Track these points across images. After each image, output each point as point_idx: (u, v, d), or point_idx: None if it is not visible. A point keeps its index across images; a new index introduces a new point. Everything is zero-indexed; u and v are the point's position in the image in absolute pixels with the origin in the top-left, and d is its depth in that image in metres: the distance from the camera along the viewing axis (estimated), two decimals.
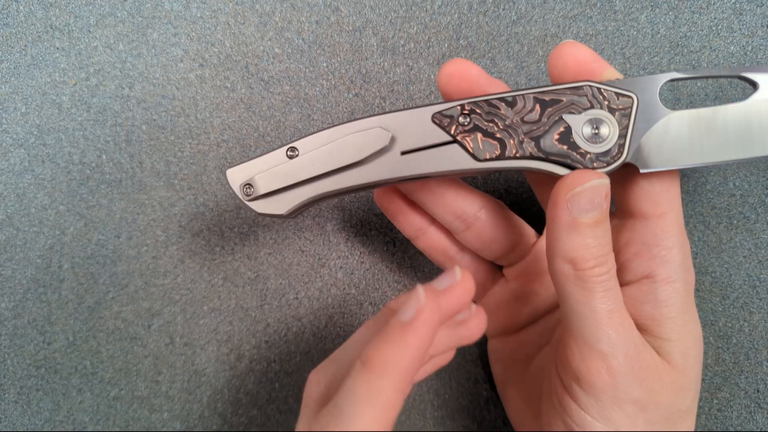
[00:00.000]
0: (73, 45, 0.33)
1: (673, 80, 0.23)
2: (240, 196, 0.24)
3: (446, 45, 0.32)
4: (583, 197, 0.21)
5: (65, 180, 0.33)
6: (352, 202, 0.33)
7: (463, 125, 0.22)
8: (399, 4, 0.32)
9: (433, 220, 0.28)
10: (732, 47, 0.32)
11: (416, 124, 0.23)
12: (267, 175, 0.24)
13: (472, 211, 0.26)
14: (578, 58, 0.23)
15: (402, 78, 0.32)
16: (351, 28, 0.32)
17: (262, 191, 0.24)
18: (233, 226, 0.32)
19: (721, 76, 0.23)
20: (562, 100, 0.22)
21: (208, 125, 0.33)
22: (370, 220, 0.33)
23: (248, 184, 0.24)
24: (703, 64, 0.32)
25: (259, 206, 0.24)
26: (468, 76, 0.24)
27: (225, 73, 0.33)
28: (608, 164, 0.22)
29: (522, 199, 0.32)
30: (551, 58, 0.23)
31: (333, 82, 0.32)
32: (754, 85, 0.22)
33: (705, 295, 0.31)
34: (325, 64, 0.32)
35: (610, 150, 0.22)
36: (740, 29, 0.32)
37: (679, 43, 0.32)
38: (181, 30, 0.33)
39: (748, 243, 0.31)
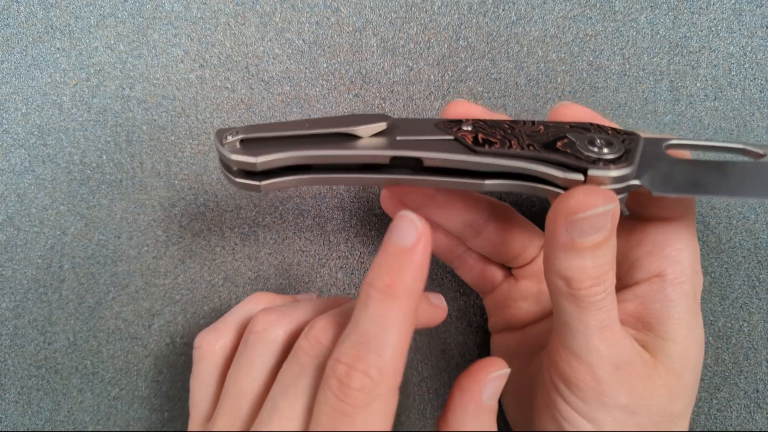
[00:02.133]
0: (73, 45, 0.33)
1: (675, 145, 0.22)
2: (216, 142, 0.22)
3: (446, 45, 0.32)
4: (585, 222, 0.19)
5: (66, 180, 0.33)
6: (352, 202, 0.33)
7: (465, 130, 0.22)
8: (399, 5, 0.32)
9: None
10: (731, 48, 0.32)
11: (418, 126, 0.23)
12: (253, 126, 0.22)
13: (481, 220, 0.26)
14: (577, 118, 0.23)
15: (402, 78, 0.32)
16: (351, 28, 0.32)
17: (241, 136, 0.21)
18: (234, 226, 0.32)
19: (724, 149, 0.22)
20: (566, 126, 0.22)
21: (208, 126, 0.33)
22: (370, 221, 0.33)
23: (234, 132, 0.22)
24: (703, 64, 0.32)
25: (232, 151, 0.21)
26: (472, 116, 0.24)
27: (225, 73, 0.33)
28: (616, 167, 0.20)
29: (522, 198, 0.32)
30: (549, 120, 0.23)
31: (333, 83, 0.32)
32: (757, 156, 0.22)
33: (704, 295, 0.31)
34: (325, 65, 0.33)
35: (617, 158, 0.20)
36: (740, 30, 0.32)
37: (679, 43, 0.32)
38: (182, 30, 0.33)
39: (747, 243, 0.31)
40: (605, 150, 0.20)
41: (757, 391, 0.31)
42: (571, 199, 0.19)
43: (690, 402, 0.23)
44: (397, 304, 0.19)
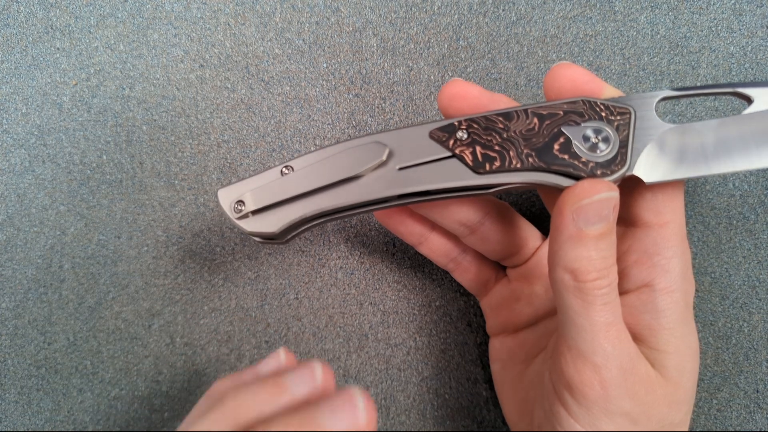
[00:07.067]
0: (73, 45, 0.33)
1: (666, 98, 0.22)
2: (230, 215, 0.23)
3: (446, 46, 0.32)
4: (590, 209, 0.20)
5: (66, 180, 0.33)
6: None
7: (461, 140, 0.22)
8: (399, 5, 0.32)
9: (435, 226, 0.28)
10: (732, 48, 0.32)
11: (414, 141, 0.23)
12: (258, 191, 0.23)
13: (476, 218, 0.26)
14: (574, 79, 0.23)
15: (402, 78, 0.32)
16: (351, 28, 0.32)
17: (252, 207, 0.23)
18: (233, 226, 0.32)
19: (715, 93, 0.23)
20: (559, 114, 0.22)
21: (208, 126, 0.33)
22: (370, 220, 0.33)
23: (240, 201, 0.23)
24: (703, 65, 0.32)
25: (249, 224, 0.23)
26: (469, 96, 0.24)
27: (225, 73, 0.33)
28: (612, 172, 0.21)
29: (522, 199, 0.32)
30: (546, 81, 0.23)
31: (333, 83, 0.32)
32: (748, 100, 0.22)
33: (704, 295, 0.31)
34: (325, 65, 0.32)
35: (612, 159, 0.21)
36: (740, 30, 0.32)
37: (679, 43, 0.32)
38: (182, 31, 0.33)
39: (747, 243, 0.31)
40: (601, 147, 0.21)
41: (757, 392, 0.31)
42: (576, 188, 0.21)
43: (688, 410, 0.23)
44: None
